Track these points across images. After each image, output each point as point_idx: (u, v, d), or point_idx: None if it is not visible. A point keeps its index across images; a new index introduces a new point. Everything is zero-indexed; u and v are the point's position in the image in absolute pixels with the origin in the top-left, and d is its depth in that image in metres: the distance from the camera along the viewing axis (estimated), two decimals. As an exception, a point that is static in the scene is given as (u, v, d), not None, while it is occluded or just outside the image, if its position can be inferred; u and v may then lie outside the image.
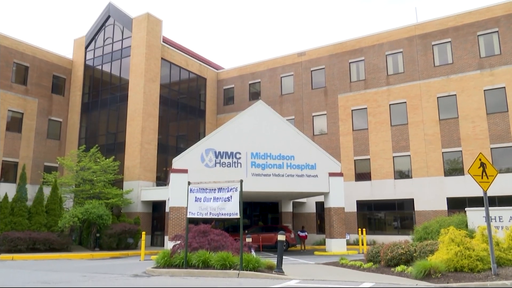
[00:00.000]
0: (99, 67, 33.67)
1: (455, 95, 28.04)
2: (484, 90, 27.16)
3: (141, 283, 10.57)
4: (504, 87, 26.59)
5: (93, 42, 34.47)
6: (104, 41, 33.72)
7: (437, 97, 28.58)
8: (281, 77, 35.33)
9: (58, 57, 34.36)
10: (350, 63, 32.41)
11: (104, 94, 32.95)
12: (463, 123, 27.45)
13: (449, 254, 10.73)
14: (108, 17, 33.78)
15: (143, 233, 20.19)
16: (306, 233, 27.08)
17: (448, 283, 9.75)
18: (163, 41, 32.66)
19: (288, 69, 35.12)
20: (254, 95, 36.25)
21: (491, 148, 26.29)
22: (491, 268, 10.14)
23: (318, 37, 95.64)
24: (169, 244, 17.53)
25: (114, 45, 32.91)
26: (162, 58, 32.17)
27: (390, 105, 30.22)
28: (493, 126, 26.51)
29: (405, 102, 29.66)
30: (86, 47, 34.70)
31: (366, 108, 31.09)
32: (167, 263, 13.21)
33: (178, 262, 12.97)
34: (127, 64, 31.56)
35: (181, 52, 35.13)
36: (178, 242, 13.98)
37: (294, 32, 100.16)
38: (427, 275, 10.32)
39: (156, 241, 28.59)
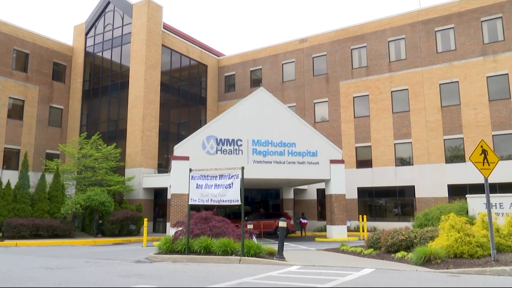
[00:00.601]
0: (100, 54, 33.51)
1: (458, 82, 27.88)
2: (487, 77, 26.99)
3: (144, 269, 10.69)
4: (507, 74, 26.41)
5: (93, 28, 34.24)
6: (104, 28, 33.49)
7: (439, 84, 28.42)
8: (283, 64, 35.13)
9: (58, 44, 34.18)
10: (352, 49, 32.17)
11: (104, 81, 32.85)
12: (465, 110, 27.35)
13: (449, 241, 10.80)
14: (108, 3, 33.46)
15: (145, 219, 20.35)
16: (306, 220, 27.28)
17: (448, 269, 9.83)
18: (163, 28, 32.42)
19: (289, 56, 34.90)
20: (255, 82, 36.09)
21: (492, 135, 26.23)
22: (490, 254, 10.21)
23: (320, 23, 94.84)
24: (171, 231, 17.68)
25: (114, 32, 32.69)
26: (162, 44, 31.97)
27: (392, 92, 30.09)
28: (495, 113, 26.41)
29: (407, 89, 29.52)
30: (86, 34, 34.48)
31: (367, 95, 30.96)
32: (169, 249, 13.33)
33: (180, 248, 13.09)
34: (127, 51, 31.39)
35: (182, 38, 34.90)
36: (180, 228, 14.10)
37: (296, 18, 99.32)
38: (427, 261, 10.40)
39: (158, 227, 28.82)
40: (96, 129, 31.16)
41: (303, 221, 26.81)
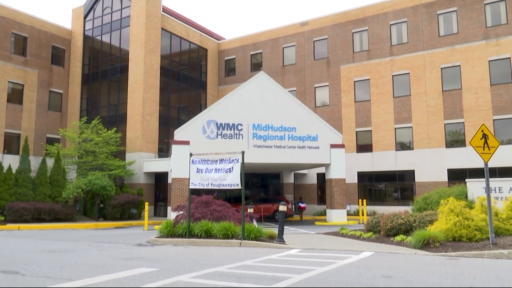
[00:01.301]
0: (99, 38, 33.21)
1: (459, 65, 27.68)
2: (489, 61, 26.79)
3: (145, 252, 10.80)
4: (510, 58, 26.20)
5: (92, 11, 33.85)
6: (103, 11, 33.11)
7: (441, 68, 28.24)
8: (283, 48, 34.84)
9: (56, 27, 33.84)
10: (353, 33, 31.86)
11: (104, 65, 32.64)
12: (466, 94, 27.23)
13: (448, 224, 10.87)
14: (106, -15, 33.03)
15: (146, 203, 20.49)
16: (305, 204, 27.49)
17: (446, 252, 9.92)
18: (163, 11, 32.04)
19: (290, 40, 34.59)
20: (256, 66, 35.87)
21: (493, 120, 26.17)
22: (489, 238, 10.29)
23: (321, 7, 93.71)
24: (172, 215, 17.82)
25: (113, 15, 32.32)
26: (162, 28, 31.65)
27: (393, 76, 29.90)
28: (497, 97, 26.30)
29: (408, 73, 29.33)
30: (85, 17, 34.10)
31: (368, 79, 30.79)
32: (170, 233, 13.45)
33: (181, 232, 13.20)
34: (126, 34, 31.10)
35: (182, 22, 34.54)
36: (181, 212, 14.20)
37: (297, 1, 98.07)
38: (426, 244, 10.49)
39: (159, 211, 29.02)
40: (96, 114, 31.10)
41: (301, 205, 27.01)
